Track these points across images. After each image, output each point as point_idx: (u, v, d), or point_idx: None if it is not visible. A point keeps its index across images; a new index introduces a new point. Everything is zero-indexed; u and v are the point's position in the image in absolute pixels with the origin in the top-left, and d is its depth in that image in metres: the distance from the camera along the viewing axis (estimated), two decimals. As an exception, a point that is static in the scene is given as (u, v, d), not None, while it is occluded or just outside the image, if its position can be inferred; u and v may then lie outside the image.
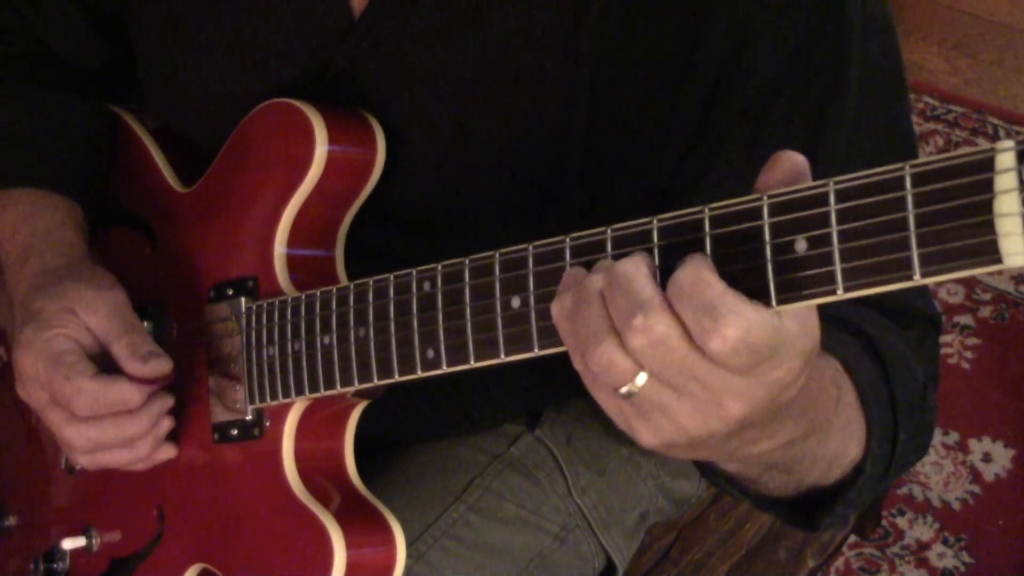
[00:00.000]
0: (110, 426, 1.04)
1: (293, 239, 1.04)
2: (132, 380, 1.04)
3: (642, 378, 0.68)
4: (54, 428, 1.06)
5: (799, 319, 0.67)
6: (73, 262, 1.12)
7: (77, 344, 1.04)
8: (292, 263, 1.04)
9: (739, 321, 0.65)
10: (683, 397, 0.69)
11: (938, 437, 2.30)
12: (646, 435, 0.71)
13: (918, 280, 0.62)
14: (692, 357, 0.67)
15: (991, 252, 0.59)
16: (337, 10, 1.06)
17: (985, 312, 2.48)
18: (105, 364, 1.05)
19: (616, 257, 0.74)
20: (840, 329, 0.90)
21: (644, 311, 0.66)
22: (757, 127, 0.94)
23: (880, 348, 0.90)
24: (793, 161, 0.68)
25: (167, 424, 1.07)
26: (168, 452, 1.09)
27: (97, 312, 1.06)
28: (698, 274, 0.66)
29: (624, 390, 0.69)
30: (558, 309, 0.71)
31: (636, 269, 0.68)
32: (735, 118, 0.94)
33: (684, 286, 0.66)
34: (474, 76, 1.01)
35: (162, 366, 1.05)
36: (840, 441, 0.85)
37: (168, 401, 1.07)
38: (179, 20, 1.14)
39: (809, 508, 0.90)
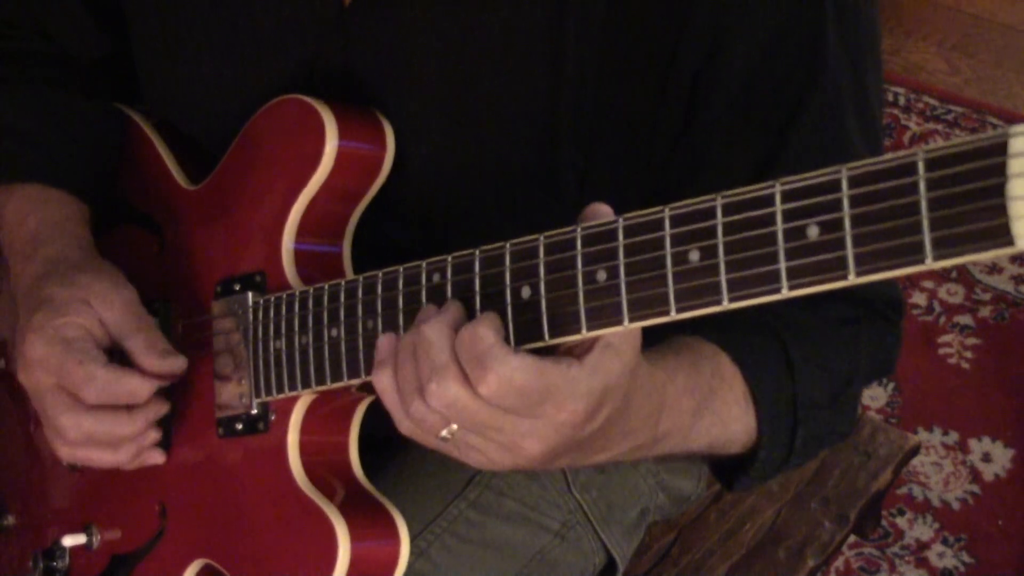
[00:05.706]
0: (106, 421, 1.04)
1: (301, 234, 1.04)
2: (143, 375, 1.04)
3: (451, 428, 0.80)
4: (51, 413, 1.05)
5: (588, 364, 0.76)
6: (85, 255, 1.12)
7: (89, 334, 1.04)
8: (300, 258, 1.04)
9: (502, 368, 0.75)
10: (488, 442, 0.80)
11: (938, 437, 2.30)
12: (474, 465, 0.83)
13: (931, 264, 0.62)
14: (483, 410, 0.77)
15: (1003, 235, 0.60)
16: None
17: (985, 312, 2.49)
18: (113, 358, 1.05)
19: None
20: (758, 334, 0.99)
21: (437, 377, 0.77)
22: (742, 119, 0.96)
23: (790, 351, 0.99)
24: (597, 211, 0.77)
25: (154, 436, 1.07)
26: (156, 457, 1.09)
27: (112, 306, 1.06)
28: (475, 330, 0.76)
29: (443, 434, 0.81)
30: (380, 370, 0.82)
31: (438, 334, 0.78)
32: (721, 111, 0.96)
33: (464, 342, 0.76)
34: (462, 68, 1.02)
35: (178, 363, 1.05)
36: (716, 434, 0.95)
37: (164, 407, 1.07)
38: (173, 13, 1.15)
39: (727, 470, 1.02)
